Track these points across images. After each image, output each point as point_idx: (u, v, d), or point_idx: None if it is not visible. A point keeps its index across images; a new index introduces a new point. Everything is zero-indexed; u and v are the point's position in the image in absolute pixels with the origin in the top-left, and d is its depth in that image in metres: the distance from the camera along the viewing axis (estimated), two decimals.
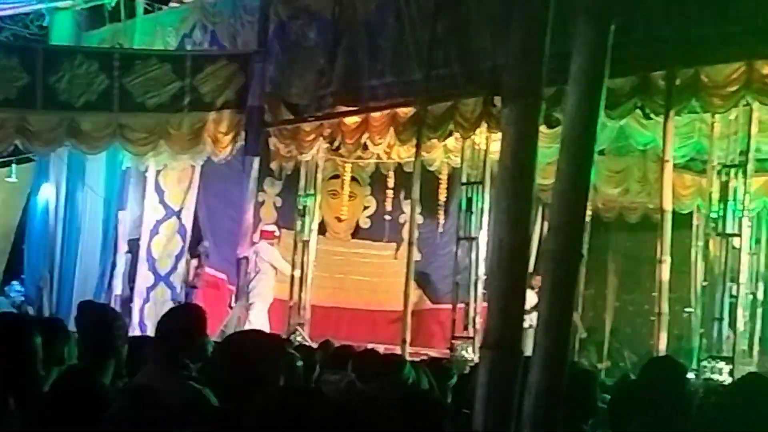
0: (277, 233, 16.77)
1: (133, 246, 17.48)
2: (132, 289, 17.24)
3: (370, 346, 14.55)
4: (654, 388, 5.18)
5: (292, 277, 16.54)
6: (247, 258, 16.69)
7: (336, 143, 15.83)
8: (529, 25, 3.79)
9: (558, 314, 3.61)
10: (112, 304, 15.58)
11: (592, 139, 3.74)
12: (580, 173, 3.70)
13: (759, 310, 15.05)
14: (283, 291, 16.93)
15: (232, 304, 16.71)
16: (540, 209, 13.47)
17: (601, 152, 15.24)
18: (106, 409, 4.13)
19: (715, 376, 11.63)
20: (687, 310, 14.92)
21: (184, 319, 5.45)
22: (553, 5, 3.79)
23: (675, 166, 13.87)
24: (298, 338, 15.57)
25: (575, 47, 3.72)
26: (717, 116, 12.62)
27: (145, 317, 16.76)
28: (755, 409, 4.92)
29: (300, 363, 7.40)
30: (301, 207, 16.61)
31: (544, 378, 3.56)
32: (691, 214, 16.20)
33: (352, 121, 15.48)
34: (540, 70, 3.76)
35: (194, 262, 17.47)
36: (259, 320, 15.97)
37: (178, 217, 17.23)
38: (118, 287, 17.28)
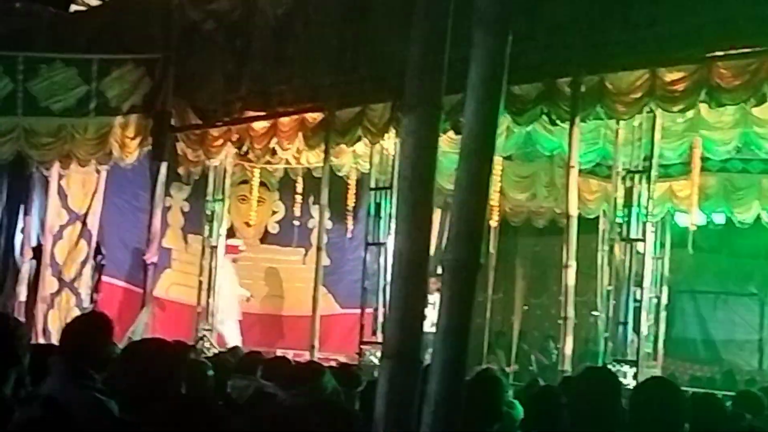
0: (242, 248, 16.64)
1: (37, 252, 17.19)
2: (36, 295, 16.94)
3: (279, 351, 14.55)
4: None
5: (200, 282, 16.42)
6: (155, 264, 16.52)
7: (244, 148, 15.75)
8: (428, 33, 3.77)
9: (456, 323, 3.60)
10: (15, 311, 15.32)
11: (491, 148, 3.73)
12: (479, 181, 3.68)
13: (663, 314, 15.29)
14: (189, 296, 16.81)
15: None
16: (448, 215, 13.51)
17: (509, 158, 15.41)
18: (7, 420, 4.05)
19: (620, 380, 11.75)
20: (593, 313, 15.08)
21: (88, 329, 5.35)
22: (452, 12, 3.78)
23: (581, 171, 14.06)
24: (206, 345, 15.46)
25: (473, 55, 3.71)
26: (621, 123, 12.75)
27: (49, 324, 16.48)
28: (657, 412, 5.00)
29: (211, 372, 7.32)
30: (209, 212, 16.50)
31: (442, 387, 3.55)
32: (597, 218, 16.38)
33: (260, 126, 15.41)
34: (440, 78, 3.74)
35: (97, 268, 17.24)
36: (233, 336, 15.99)
37: (83, 222, 16.97)
38: (21, 294, 16.96)
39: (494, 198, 15.69)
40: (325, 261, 15.26)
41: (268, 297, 18.59)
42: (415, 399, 3.66)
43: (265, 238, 18.84)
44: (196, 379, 6.67)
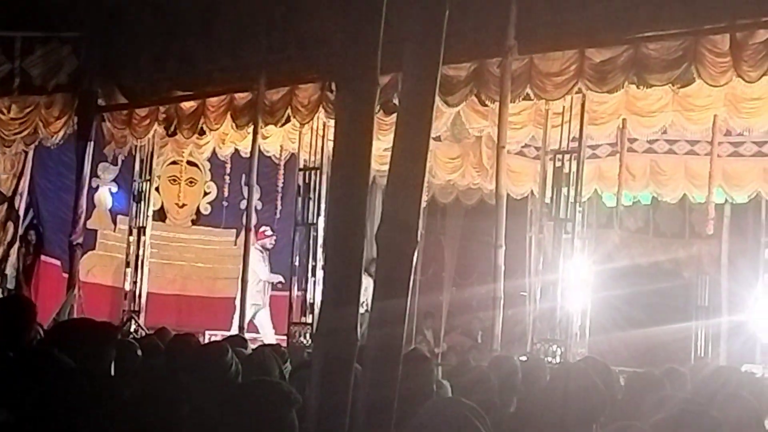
0: (269, 233, 16.32)
1: None
2: None
3: (208, 333, 14.48)
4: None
5: (127, 263, 16.26)
6: (80, 244, 16.34)
7: (172, 128, 15.58)
8: (363, 11, 3.75)
9: (392, 303, 3.60)
10: None
11: (428, 126, 3.73)
12: (415, 159, 3.68)
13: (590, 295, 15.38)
14: (116, 278, 16.65)
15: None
16: (378, 195, 13.53)
17: (438, 138, 15.43)
18: None
19: (549, 359, 11.86)
20: (521, 293, 15.15)
21: (9, 312, 5.27)
22: None
23: (510, 151, 14.12)
24: (133, 326, 15.31)
25: (409, 34, 3.70)
26: (551, 103, 12.80)
27: None
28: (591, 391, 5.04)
29: (139, 352, 7.23)
30: (136, 193, 16.32)
31: (378, 367, 3.54)
32: (526, 199, 16.45)
33: (188, 105, 15.28)
34: (375, 56, 3.73)
35: (23, 250, 17.00)
36: (266, 325, 15.79)
37: (11, 204, 16.71)
38: None
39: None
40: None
41: (199, 278, 18.49)
42: (350, 377, 3.64)
43: (198, 219, 18.70)
44: (126, 360, 6.60)
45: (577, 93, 12.17)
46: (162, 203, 17.64)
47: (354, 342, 3.67)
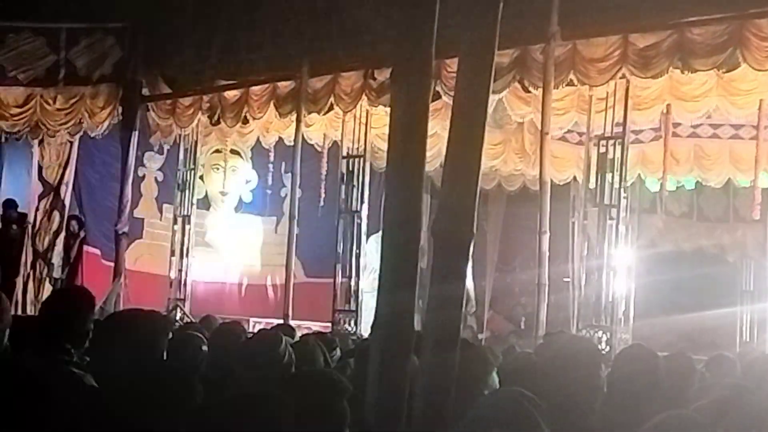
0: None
1: (21, 221, 17.06)
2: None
3: (252, 320, 14.56)
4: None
5: (172, 252, 16.38)
6: (126, 233, 16.48)
7: (215, 117, 15.68)
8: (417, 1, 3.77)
9: (449, 293, 3.62)
10: None
11: (483, 115, 3.75)
12: (471, 150, 3.70)
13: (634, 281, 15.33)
14: (162, 266, 16.77)
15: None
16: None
17: None
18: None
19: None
20: (565, 279, 15.12)
21: (68, 303, 5.32)
22: None
23: (553, 137, 14.10)
24: (179, 315, 15.43)
25: (464, 22, 3.72)
26: (595, 89, 12.75)
27: (27, 295, 16.41)
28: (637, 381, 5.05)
29: (205, 347, 7.19)
30: (180, 182, 16.43)
31: (435, 354, 3.57)
32: (568, 185, 16.42)
33: (231, 94, 15.36)
34: (430, 45, 3.74)
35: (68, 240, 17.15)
36: None
37: (57, 193, 16.87)
38: None
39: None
40: (297, 230, 15.27)
41: (242, 266, 18.61)
42: (407, 365, 3.68)
43: (239, 206, 18.82)
44: (182, 352, 6.64)
45: (620, 78, 12.13)
46: (206, 191, 17.75)
47: (411, 329, 3.70)
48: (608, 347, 11.76)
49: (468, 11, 3.72)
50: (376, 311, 3.85)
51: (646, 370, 5.28)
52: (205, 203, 17.72)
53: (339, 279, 14.51)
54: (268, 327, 9.87)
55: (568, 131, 15.19)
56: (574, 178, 16.16)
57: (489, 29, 3.69)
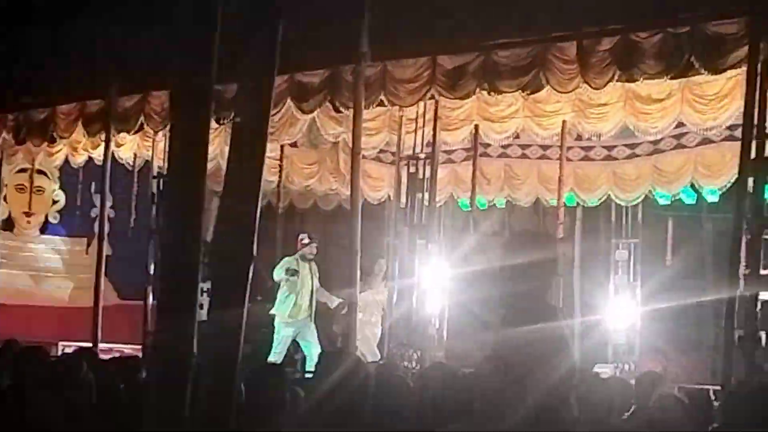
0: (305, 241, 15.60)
1: None
2: None
3: (61, 344, 14.18)
4: None
5: None
6: None
7: (21, 136, 15.25)
8: (198, 24, 3.71)
9: (229, 314, 3.56)
10: None
11: (263, 135, 3.71)
12: (251, 169, 3.66)
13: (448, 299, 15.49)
14: None
15: None
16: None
17: (294, 144, 15.46)
18: None
19: (405, 363, 11.96)
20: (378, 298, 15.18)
21: None
22: (222, 4, 3.73)
23: (366, 157, 14.21)
24: None
25: (245, 46, 3.68)
26: (405, 109, 12.88)
27: None
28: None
29: None
30: None
31: (214, 380, 3.51)
32: (384, 204, 16.52)
33: (38, 113, 14.98)
34: (209, 68, 3.69)
35: None
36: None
37: None
38: None
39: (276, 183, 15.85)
40: (108, 250, 14.95)
41: (50, 288, 18.13)
42: (185, 390, 3.59)
43: (46, 228, 18.32)
44: None
45: (430, 99, 12.29)
46: (9, 213, 17.25)
47: (189, 354, 3.61)
48: (418, 366, 11.85)
49: (248, 35, 3.67)
50: (154, 334, 3.76)
51: (448, 387, 5.37)
52: (10, 225, 17.20)
53: (151, 300, 14.24)
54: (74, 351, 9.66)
55: (382, 151, 15.31)
56: (389, 197, 16.26)
57: (268, 52, 3.66)
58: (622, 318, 15.58)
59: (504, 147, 15.49)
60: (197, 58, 3.74)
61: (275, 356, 13.93)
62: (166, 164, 13.38)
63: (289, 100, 12.77)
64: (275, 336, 14.29)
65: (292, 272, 14.44)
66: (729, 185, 13.08)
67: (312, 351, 14.02)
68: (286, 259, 14.71)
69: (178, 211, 3.70)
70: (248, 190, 3.64)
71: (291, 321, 14.35)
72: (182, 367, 3.58)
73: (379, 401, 7.09)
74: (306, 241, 14.77)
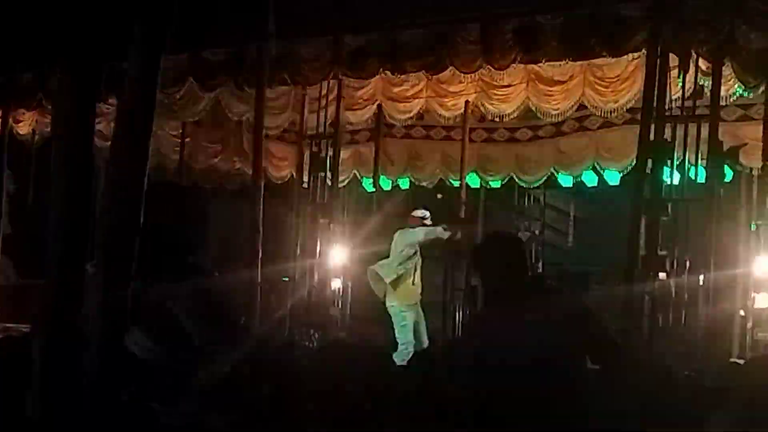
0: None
1: None
2: None
3: None
4: None
5: None
6: None
7: None
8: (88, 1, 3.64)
9: (114, 298, 3.51)
10: None
11: (150, 113, 3.65)
12: (137, 146, 3.60)
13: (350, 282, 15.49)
14: None
15: None
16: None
17: (198, 122, 15.30)
18: None
19: (306, 343, 11.94)
20: (284, 279, 15.13)
21: None
22: None
23: (271, 136, 14.12)
24: None
25: (135, 24, 3.62)
26: (310, 88, 12.83)
27: None
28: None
29: None
30: None
31: (99, 358, 3.45)
32: (289, 183, 16.44)
33: None
34: (95, 43, 3.62)
35: None
36: None
37: None
38: None
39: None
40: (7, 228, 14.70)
41: None
42: (71, 370, 3.54)
43: None
44: None
45: (333, 78, 12.25)
46: None
47: (77, 334, 3.57)
48: (321, 345, 11.84)
49: (138, 12, 3.61)
50: (39, 311, 3.71)
51: (346, 363, 5.44)
52: None
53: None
54: None
55: (287, 130, 15.23)
56: (293, 176, 16.18)
57: (157, 29, 3.60)
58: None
59: (408, 128, 15.49)
60: (86, 36, 3.67)
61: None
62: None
63: (191, 78, 12.64)
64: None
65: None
66: (629, 168, 13.23)
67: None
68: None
69: (66, 185, 3.63)
70: (134, 166, 3.59)
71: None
72: (68, 348, 3.53)
73: (278, 379, 7.12)
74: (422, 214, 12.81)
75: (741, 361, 8.98)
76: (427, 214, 12.77)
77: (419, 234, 12.40)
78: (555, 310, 4.61)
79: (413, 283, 12.37)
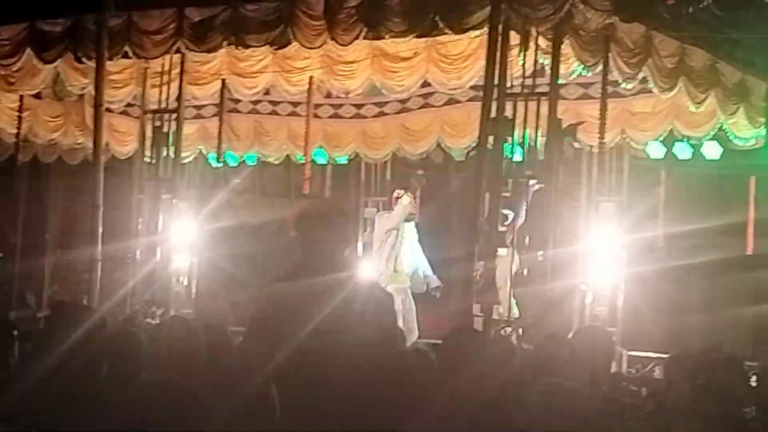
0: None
1: None
2: None
3: None
4: None
5: None
6: None
7: None
8: None
9: None
10: None
11: None
12: None
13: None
14: None
15: None
16: None
17: (38, 96, 14.94)
18: None
19: (149, 320, 11.82)
20: (128, 256, 14.88)
21: None
22: None
23: (113, 110, 13.87)
24: None
25: None
26: (152, 62, 12.63)
27: None
28: None
29: None
30: None
31: None
32: (132, 159, 16.16)
33: None
34: None
35: None
36: None
37: None
38: None
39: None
40: None
41: None
42: None
43: None
44: None
45: (176, 52, 12.09)
46: None
47: None
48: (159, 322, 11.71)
49: None
50: None
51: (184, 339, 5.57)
52: None
53: None
54: None
55: (130, 105, 14.95)
56: (137, 152, 15.92)
57: None
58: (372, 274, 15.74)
59: (254, 103, 15.37)
60: None
61: None
62: None
63: (29, 49, 12.33)
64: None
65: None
66: (473, 145, 13.37)
67: None
68: None
69: None
70: None
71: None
72: None
73: (114, 356, 7.01)
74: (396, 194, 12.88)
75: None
76: (401, 192, 12.85)
77: (390, 219, 12.72)
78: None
79: (395, 270, 12.52)
